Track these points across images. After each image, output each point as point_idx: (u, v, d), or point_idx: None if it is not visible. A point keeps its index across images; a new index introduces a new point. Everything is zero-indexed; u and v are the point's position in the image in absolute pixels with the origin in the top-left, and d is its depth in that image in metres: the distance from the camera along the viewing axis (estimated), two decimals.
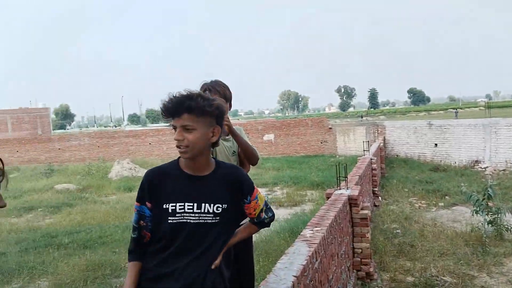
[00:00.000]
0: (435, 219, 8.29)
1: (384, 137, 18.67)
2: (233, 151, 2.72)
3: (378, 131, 19.62)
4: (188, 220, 1.76)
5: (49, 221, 10.84)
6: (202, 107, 1.74)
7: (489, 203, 6.78)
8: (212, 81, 2.72)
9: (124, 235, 8.25)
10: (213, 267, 1.78)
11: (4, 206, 1.32)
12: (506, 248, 6.24)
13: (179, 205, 1.77)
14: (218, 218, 1.80)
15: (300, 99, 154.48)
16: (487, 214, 6.70)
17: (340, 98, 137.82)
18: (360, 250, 5.19)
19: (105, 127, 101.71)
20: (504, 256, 5.98)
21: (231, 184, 1.87)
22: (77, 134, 30.60)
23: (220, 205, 1.80)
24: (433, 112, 67.68)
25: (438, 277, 5.31)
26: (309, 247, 2.94)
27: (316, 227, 3.50)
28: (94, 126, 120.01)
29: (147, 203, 1.82)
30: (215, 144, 1.85)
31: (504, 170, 13.56)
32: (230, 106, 2.82)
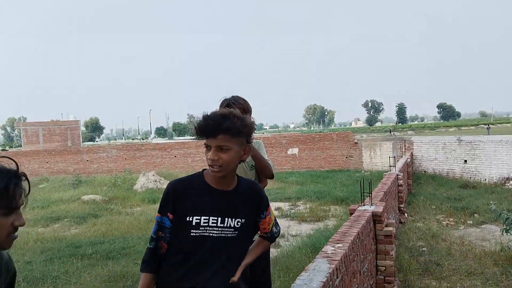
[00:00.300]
0: (463, 237, 8.04)
1: (412, 153, 18.32)
2: (251, 165, 2.74)
3: (405, 146, 19.27)
4: (211, 234, 1.76)
5: (75, 231, 11.06)
6: (237, 128, 1.75)
7: None
8: (232, 96, 2.75)
9: (146, 246, 8.30)
10: (230, 281, 1.77)
11: (23, 224, 1.32)
12: None
13: (204, 219, 1.77)
14: (237, 232, 1.80)
15: (326, 113, 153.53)
16: None
17: (367, 113, 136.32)
18: (384, 268, 5.04)
19: (132, 139, 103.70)
20: None
21: (252, 200, 1.88)
22: (105, 146, 31.30)
23: (240, 220, 1.81)
24: (463, 128, 66.07)
25: None
26: (330, 264, 2.87)
27: (337, 243, 3.43)
28: (122, 139, 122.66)
29: (169, 214, 1.82)
30: (243, 160, 1.87)
31: None
32: None
